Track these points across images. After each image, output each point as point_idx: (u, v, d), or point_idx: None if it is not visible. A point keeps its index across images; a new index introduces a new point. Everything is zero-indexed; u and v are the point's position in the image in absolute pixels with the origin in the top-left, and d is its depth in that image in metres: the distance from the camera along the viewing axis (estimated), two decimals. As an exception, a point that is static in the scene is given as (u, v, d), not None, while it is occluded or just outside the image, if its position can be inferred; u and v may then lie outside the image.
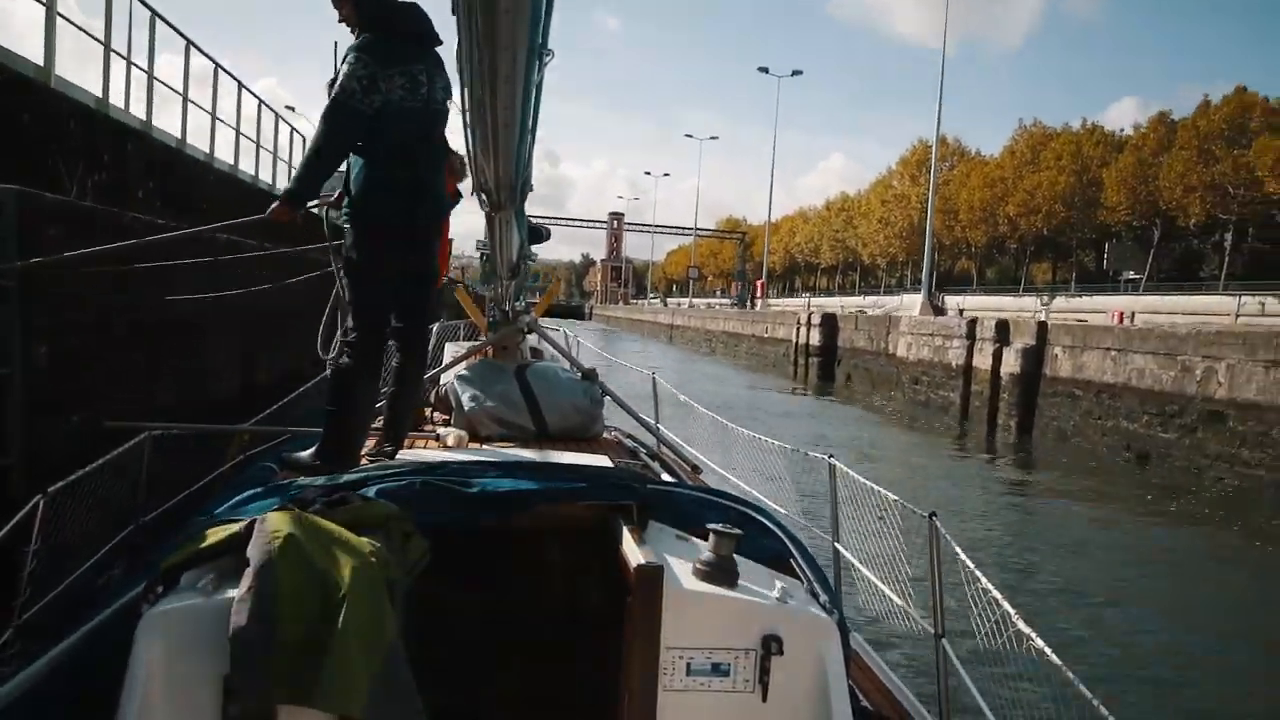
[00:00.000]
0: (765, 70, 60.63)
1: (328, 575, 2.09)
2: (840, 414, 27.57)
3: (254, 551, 2.11)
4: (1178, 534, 13.86)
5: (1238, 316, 33.93)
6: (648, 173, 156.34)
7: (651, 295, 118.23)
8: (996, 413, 23.27)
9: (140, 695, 2.03)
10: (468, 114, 3.16)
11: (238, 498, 3.01)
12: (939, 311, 33.63)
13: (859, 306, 52.20)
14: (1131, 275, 50.58)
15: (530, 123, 2.90)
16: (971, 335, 24.98)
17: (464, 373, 5.15)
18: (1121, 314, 33.68)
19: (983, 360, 24.19)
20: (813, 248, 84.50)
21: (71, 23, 9.17)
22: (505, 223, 4.27)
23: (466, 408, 4.88)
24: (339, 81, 3.63)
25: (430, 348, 4.98)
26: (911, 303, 48.11)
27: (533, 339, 6.48)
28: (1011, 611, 2.86)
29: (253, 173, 15.80)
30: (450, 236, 7.18)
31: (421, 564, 2.47)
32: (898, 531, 3.73)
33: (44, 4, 8.40)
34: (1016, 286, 56.85)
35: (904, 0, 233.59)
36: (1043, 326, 23.10)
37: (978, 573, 3.04)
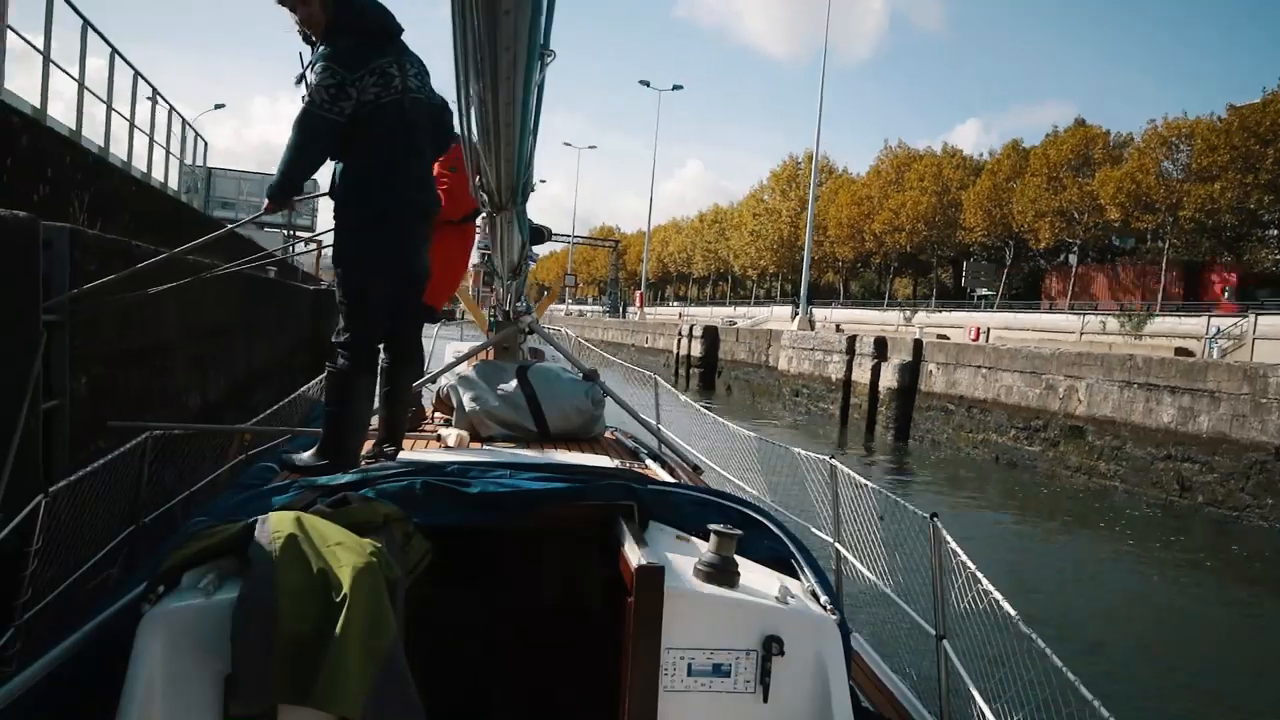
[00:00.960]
0: (646, 84, 60.39)
1: (328, 575, 2.09)
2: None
3: (254, 552, 2.12)
4: (1037, 531, 15.07)
5: (1081, 334, 36.72)
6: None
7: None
8: (874, 424, 24.57)
9: (141, 695, 2.03)
10: (468, 114, 3.18)
11: (238, 498, 3.04)
12: (810, 324, 34.91)
13: (729, 317, 53.40)
14: (985, 292, 53.52)
15: (532, 122, 2.92)
16: (851, 351, 26.27)
17: (465, 373, 5.15)
18: (979, 330, 35.57)
19: (862, 374, 25.48)
20: (685, 257, 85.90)
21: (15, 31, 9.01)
22: (507, 223, 4.25)
23: (468, 408, 4.88)
24: (309, 92, 3.64)
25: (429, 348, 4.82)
26: (781, 314, 49.47)
27: (534, 339, 6.51)
28: (1012, 613, 2.85)
29: (161, 179, 15.46)
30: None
31: (422, 564, 2.47)
32: (895, 532, 3.76)
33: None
34: (880, 300, 59.23)
35: (751, 8, 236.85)
36: (918, 344, 24.50)
37: (979, 574, 3.01)
